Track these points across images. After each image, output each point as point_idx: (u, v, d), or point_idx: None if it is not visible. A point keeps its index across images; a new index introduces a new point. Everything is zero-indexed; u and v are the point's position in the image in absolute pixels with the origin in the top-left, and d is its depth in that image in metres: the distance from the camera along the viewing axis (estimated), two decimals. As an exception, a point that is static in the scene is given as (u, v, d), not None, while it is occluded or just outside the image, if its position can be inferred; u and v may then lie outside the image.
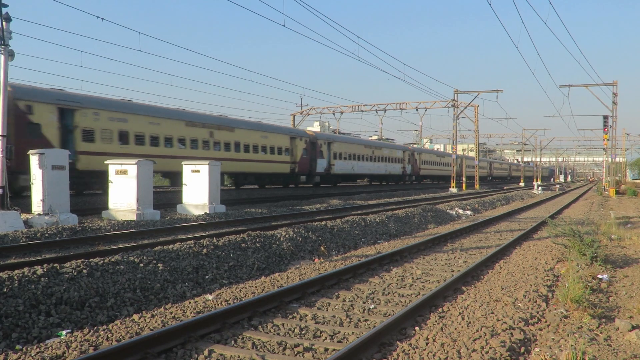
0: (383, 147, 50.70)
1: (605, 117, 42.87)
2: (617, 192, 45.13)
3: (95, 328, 6.10)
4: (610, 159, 46.16)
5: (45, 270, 7.44)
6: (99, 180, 21.32)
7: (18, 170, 17.80)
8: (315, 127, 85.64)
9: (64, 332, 6.05)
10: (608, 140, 44.56)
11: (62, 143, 20.62)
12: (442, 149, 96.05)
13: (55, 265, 7.73)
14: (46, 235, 12.11)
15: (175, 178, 27.15)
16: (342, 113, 54.82)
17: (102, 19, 19.29)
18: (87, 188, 23.63)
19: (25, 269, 7.43)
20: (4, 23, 13.14)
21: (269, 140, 33.38)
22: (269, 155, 33.29)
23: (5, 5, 13.09)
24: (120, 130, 23.25)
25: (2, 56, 13.31)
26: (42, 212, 14.19)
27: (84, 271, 7.74)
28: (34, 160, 14.39)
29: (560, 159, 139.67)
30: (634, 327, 6.22)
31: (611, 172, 46.83)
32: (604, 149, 49.48)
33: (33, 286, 6.93)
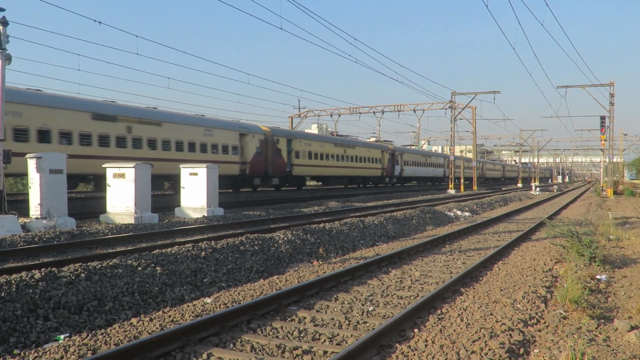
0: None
1: (603, 118, 42.94)
2: (615, 193, 45.19)
3: (93, 332, 6.08)
4: (607, 160, 46.23)
5: (43, 274, 7.42)
6: (302, 180, 39.05)
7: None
8: (313, 129, 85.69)
9: (62, 337, 6.03)
10: (605, 140, 44.62)
11: (289, 160, 34.78)
12: (440, 151, 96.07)
13: (53, 269, 7.71)
14: (44, 239, 12.08)
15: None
16: (339, 115, 54.86)
17: (100, 22, 19.30)
18: (300, 186, 38.93)
19: (23, 273, 7.41)
20: (1, 27, 13.13)
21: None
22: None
23: (2, 9, 13.09)
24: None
25: (0, 60, 13.30)
26: (39, 216, 14.16)
27: (82, 275, 7.72)
28: (31, 164, 14.36)
29: (558, 160, 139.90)
30: (632, 328, 6.22)
31: (609, 173, 46.91)
32: (601, 149, 49.54)
33: (31, 290, 6.91)
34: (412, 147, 66.92)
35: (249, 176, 31.48)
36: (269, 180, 33.56)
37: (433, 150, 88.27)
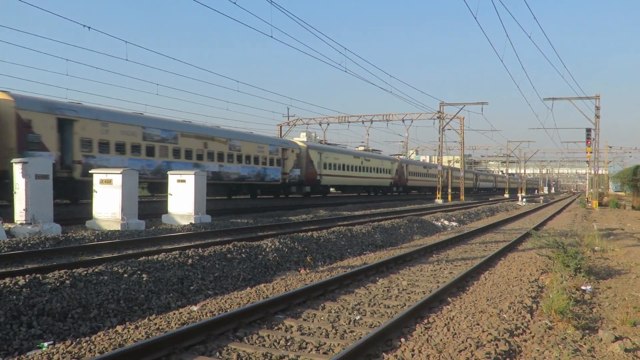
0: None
1: (588, 130, 43.41)
2: (600, 204, 45.63)
3: (77, 340, 6.01)
4: (593, 172, 46.72)
5: (27, 280, 7.34)
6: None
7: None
8: (302, 138, 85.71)
9: (45, 344, 5.96)
10: (591, 152, 45.10)
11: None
12: (428, 160, 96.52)
13: (38, 275, 7.63)
14: (28, 245, 11.95)
15: None
16: (328, 124, 54.94)
17: (89, 27, 19.19)
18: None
19: (7, 280, 7.32)
20: (-12, 31, 13.03)
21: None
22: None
23: (-10, 13, 12.96)
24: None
25: (-14, 64, 13.18)
26: (24, 222, 14.01)
27: (67, 282, 7.65)
28: (17, 169, 14.22)
29: (544, 171, 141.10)
30: (617, 338, 6.27)
31: (594, 185, 47.38)
32: (587, 161, 50.09)
33: (14, 297, 6.82)
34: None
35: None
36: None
37: (421, 160, 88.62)
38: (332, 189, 46.82)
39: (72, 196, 23.18)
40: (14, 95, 19.57)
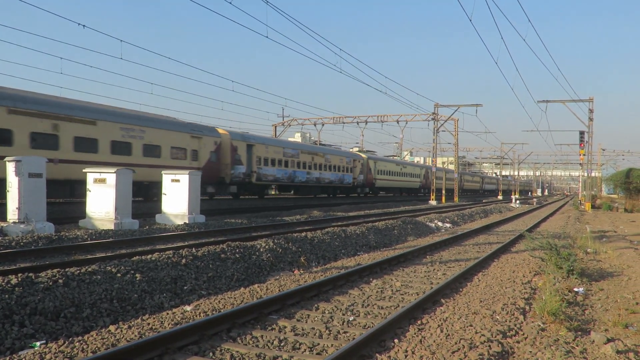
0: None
1: (582, 133, 43.63)
2: (593, 207, 45.86)
3: (70, 339, 5.99)
4: (586, 174, 46.95)
5: (19, 279, 7.31)
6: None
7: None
8: (297, 138, 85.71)
9: (38, 343, 5.94)
10: (584, 155, 45.33)
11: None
12: (422, 162, 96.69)
13: (30, 274, 7.60)
14: (21, 244, 11.89)
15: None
16: (323, 124, 55.02)
17: (84, 26, 19.12)
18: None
19: (-1, 278, 7.28)
20: (-18, 28, 12.97)
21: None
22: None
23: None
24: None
25: (-20, 61, 13.11)
26: (17, 221, 13.93)
27: (60, 281, 7.62)
28: (10, 167, 14.14)
29: (537, 173, 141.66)
30: (609, 340, 6.31)
31: (587, 187, 47.62)
32: (580, 163, 50.27)
33: (7, 296, 6.79)
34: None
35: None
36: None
37: (415, 162, 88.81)
38: (381, 192, 57.41)
39: (252, 192, 35.20)
40: (228, 130, 31.10)
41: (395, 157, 66.44)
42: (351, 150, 57.93)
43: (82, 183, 17.61)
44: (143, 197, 25.11)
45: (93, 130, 21.32)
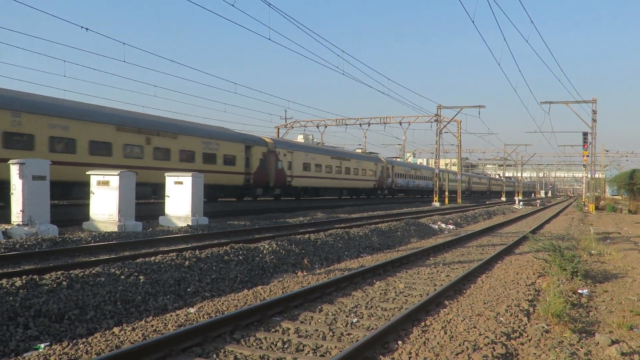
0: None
1: (585, 134, 43.53)
2: (597, 208, 45.74)
3: (74, 341, 6.00)
4: (589, 175, 46.85)
5: (24, 281, 7.32)
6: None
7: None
8: (299, 140, 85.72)
9: (42, 345, 5.95)
10: (588, 156, 45.22)
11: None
12: (425, 163, 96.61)
13: (34, 276, 7.62)
14: (25, 246, 11.92)
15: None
16: (326, 126, 55.05)
17: (87, 29, 19.18)
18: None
19: (4, 281, 7.30)
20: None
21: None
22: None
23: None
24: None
25: (-16, 64, 13.17)
26: (21, 223, 13.97)
27: (64, 283, 7.64)
28: (14, 170, 14.19)
29: (541, 175, 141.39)
30: (613, 342, 6.29)
31: (591, 188, 47.50)
32: (583, 165, 50.18)
33: (11, 298, 6.81)
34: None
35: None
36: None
37: (418, 163, 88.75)
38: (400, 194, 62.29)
39: (290, 195, 38.06)
40: (273, 139, 35.84)
41: (408, 160, 68.80)
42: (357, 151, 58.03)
43: (160, 185, 21.69)
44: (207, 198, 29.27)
45: (171, 143, 25.84)
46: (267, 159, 32.95)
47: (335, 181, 42.21)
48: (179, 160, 26.91)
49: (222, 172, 30.05)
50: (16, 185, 14.13)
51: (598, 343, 6.34)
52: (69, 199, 22.26)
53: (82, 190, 19.25)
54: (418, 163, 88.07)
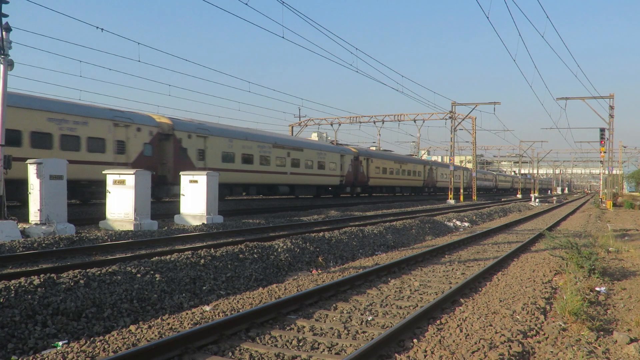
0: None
1: (602, 130, 43.02)
2: (614, 205, 45.19)
3: (91, 339, 6.06)
4: (607, 172, 46.29)
5: (42, 280, 7.41)
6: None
7: None
8: (314, 138, 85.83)
9: (60, 343, 6.02)
10: (605, 152, 44.69)
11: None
12: (439, 161, 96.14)
13: (52, 275, 7.70)
14: (43, 245, 12.07)
15: None
16: (340, 124, 54.98)
17: (102, 29, 19.34)
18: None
19: (22, 279, 7.40)
20: (3, 33, 13.19)
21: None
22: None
23: (6, 15, 13.15)
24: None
25: (2, 66, 13.35)
26: (39, 222, 14.15)
27: (81, 281, 7.71)
28: (31, 169, 14.37)
29: (557, 171, 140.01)
30: (632, 340, 6.21)
31: (608, 185, 46.94)
32: (600, 161, 49.59)
33: (29, 296, 6.90)
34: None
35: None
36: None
37: (432, 160, 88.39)
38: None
39: (367, 192, 47.92)
40: (357, 148, 43.80)
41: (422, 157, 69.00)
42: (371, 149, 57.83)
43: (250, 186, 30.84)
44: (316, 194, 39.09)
45: (300, 155, 34.74)
46: (354, 164, 42.36)
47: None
48: (305, 167, 35.91)
49: (327, 175, 38.80)
50: (34, 184, 14.31)
51: (616, 341, 6.26)
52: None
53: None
54: (433, 160, 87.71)
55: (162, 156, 25.25)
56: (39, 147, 19.53)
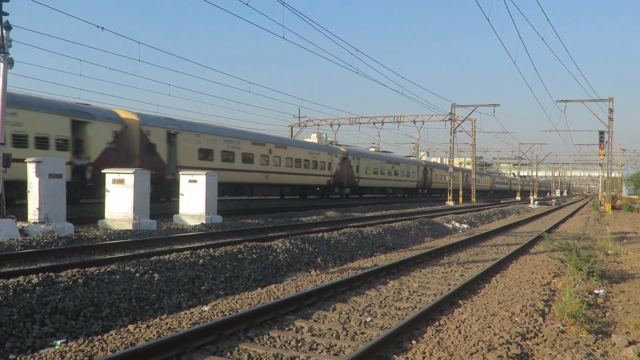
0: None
1: (602, 133, 43.04)
2: (613, 207, 45.22)
3: (90, 338, 6.05)
4: (606, 174, 46.33)
5: (40, 279, 7.40)
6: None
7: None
8: (313, 139, 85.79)
9: (58, 342, 6.01)
10: (604, 155, 44.72)
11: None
12: (439, 162, 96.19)
13: (51, 274, 7.70)
14: (42, 243, 12.05)
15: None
16: (339, 125, 54.97)
17: (102, 28, 19.33)
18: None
19: (20, 278, 7.40)
20: (4, 31, 13.17)
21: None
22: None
23: (6, 14, 13.13)
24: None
25: (2, 64, 13.33)
26: (38, 221, 14.13)
27: (80, 280, 7.71)
28: (30, 168, 14.35)
29: (556, 174, 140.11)
30: (630, 343, 6.21)
31: (607, 188, 46.98)
32: (600, 164, 49.65)
33: (28, 295, 6.89)
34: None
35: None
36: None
37: (431, 161, 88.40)
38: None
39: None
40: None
41: (371, 150, 64.03)
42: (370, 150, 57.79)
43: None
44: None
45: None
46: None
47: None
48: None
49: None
50: (33, 183, 14.29)
51: (615, 344, 6.26)
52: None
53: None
54: (432, 161, 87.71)
55: (344, 170, 41.20)
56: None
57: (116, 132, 22.87)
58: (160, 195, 25.96)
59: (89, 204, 23.66)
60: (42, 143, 19.86)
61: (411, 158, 64.88)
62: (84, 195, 23.37)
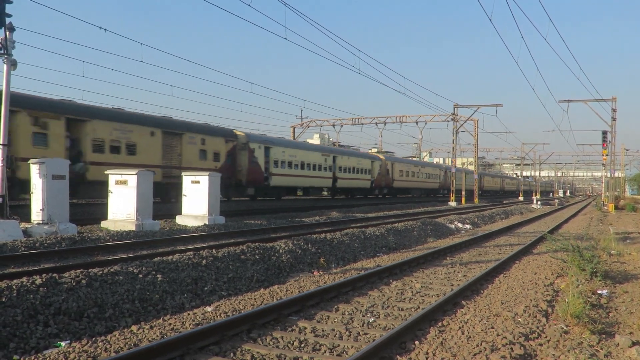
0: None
1: (604, 133, 42.98)
2: (616, 208, 45.11)
3: (93, 339, 6.07)
4: (609, 174, 46.23)
5: (44, 280, 7.42)
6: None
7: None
8: (315, 139, 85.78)
9: (62, 343, 6.03)
10: (607, 155, 44.64)
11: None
12: (441, 162, 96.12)
13: (54, 275, 7.71)
14: (45, 244, 12.07)
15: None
16: (342, 125, 54.99)
17: (105, 29, 19.38)
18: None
19: (24, 279, 7.41)
20: (7, 33, 13.21)
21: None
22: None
23: (9, 15, 13.17)
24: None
25: (5, 65, 13.37)
26: (41, 222, 14.16)
27: (83, 281, 7.72)
28: (34, 169, 14.38)
29: (559, 174, 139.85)
30: (634, 343, 6.20)
31: (610, 188, 46.88)
32: (603, 164, 49.56)
33: (32, 296, 6.91)
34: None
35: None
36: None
37: (435, 162, 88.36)
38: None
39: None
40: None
41: (372, 151, 67.79)
42: (370, 151, 57.77)
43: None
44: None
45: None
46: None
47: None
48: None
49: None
50: (36, 184, 14.32)
51: (618, 344, 6.25)
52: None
53: None
54: (435, 162, 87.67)
55: (383, 174, 45.80)
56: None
57: (234, 146, 30.82)
58: (258, 195, 34.27)
59: (89, 205, 23.71)
60: (216, 156, 28.83)
61: (434, 162, 69.65)
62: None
